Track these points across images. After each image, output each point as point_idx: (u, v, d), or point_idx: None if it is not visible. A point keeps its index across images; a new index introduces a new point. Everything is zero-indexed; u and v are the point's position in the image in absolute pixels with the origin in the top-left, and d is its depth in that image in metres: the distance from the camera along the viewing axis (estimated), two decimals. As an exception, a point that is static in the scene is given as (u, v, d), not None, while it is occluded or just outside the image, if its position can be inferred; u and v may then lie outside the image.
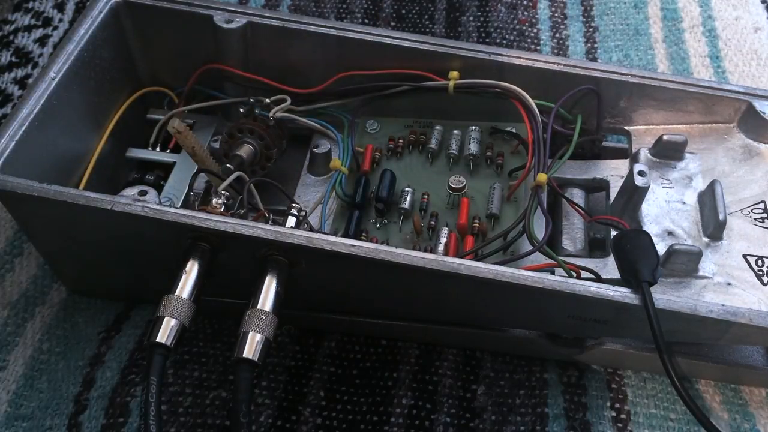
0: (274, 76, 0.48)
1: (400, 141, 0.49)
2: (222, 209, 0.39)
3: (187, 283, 0.36)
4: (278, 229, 0.37)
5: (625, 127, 0.49)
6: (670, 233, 0.43)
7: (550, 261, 0.40)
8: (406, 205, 0.45)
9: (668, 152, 0.46)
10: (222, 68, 0.49)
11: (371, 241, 0.44)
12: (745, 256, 0.42)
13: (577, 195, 0.47)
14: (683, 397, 0.35)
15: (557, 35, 0.63)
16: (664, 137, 0.45)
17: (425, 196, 0.46)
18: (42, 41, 0.63)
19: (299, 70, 0.48)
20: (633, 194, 0.43)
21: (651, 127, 0.48)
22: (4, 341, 0.46)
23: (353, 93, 0.48)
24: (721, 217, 0.41)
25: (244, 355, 0.34)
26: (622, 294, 0.36)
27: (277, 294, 0.37)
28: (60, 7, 0.65)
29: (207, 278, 0.37)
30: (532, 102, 0.44)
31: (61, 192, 0.38)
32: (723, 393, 0.43)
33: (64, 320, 0.47)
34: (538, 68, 0.46)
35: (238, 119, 0.47)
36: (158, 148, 0.49)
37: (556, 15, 0.65)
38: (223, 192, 0.40)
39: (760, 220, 0.43)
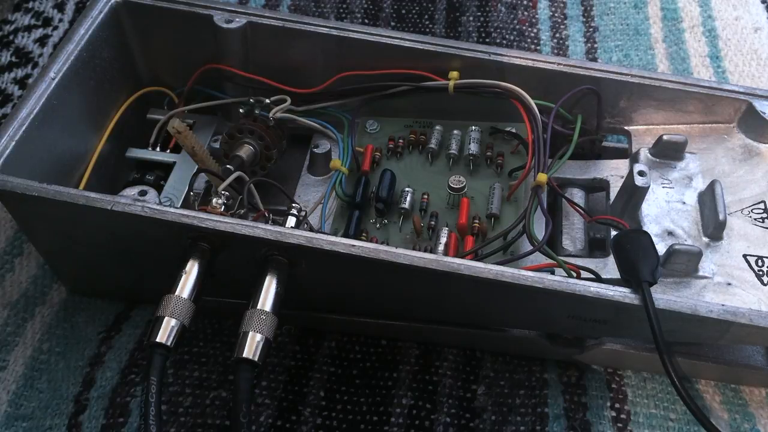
0: (274, 76, 0.48)
1: (400, 141, 0.49)
2: (222, 209, 0.39)
3: (187, 283, 0.36)
4: (278, 229, 0.37)
5: (625, 127, 0.49)
6: (670, 233, 0.43)
7: (550, 261, 0.40)
8: (406, 205, 0.45)
9: (668, 152, 0.46)
10: (222, 68, 0.49)
11: (371, 241, 0.44)
12: (745, 256, 0.42)
13: (577, 195, 0.47)
14: (683, 397, 0.35)
15: (557, 35, 0.63)
16: (664, 137, 0.45)
17: (425, 196, 0.46)
18: (42, 41, 0.63)
19: (299, 70, 0.48)
20: (633, 194, 0.43)
21: (651, 127, 0.48)
22: (4, 341, 0.46)
23: (353, 93, 0.48)
24: (721, 217, 0.41)
25: (244, 355, 0.34)
26: (622, 294, 0.36)
27: (277, 294, 0.37)
28: (60, 7, 0.65)
29: (207, 278, 0.37)
30: (532, 102, 0.44)
31: (61, 192, 0.38)
32: (723, 393, 0.43)
33: (64, 320, 0.47)
34: (538, 68, 0.46)
35: (238, 119, 0.47)
36: (158, 148, 0.49)
37: (556, 15, 0.65)
38: (223, 192, 0.40)
39: (760, 220, 0.43)
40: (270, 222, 0.39)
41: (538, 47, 0.62)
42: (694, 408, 0.35)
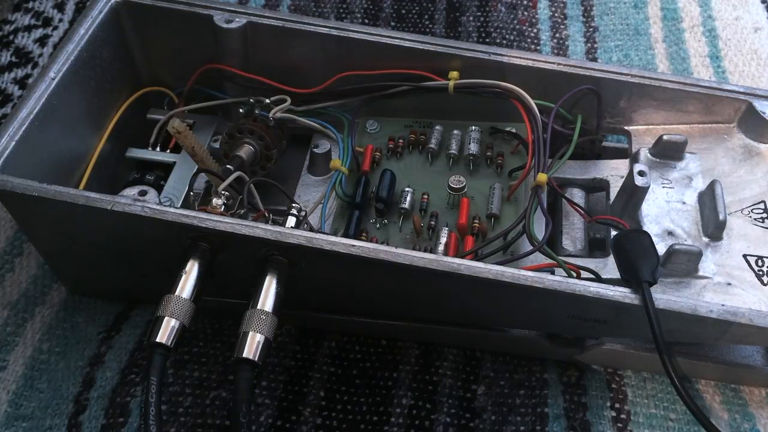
0: (274, 76, 0.48)
1: (400, 141, 0.49)
2: (222, 209, 0.39)
3: (187, 283, 0.36)
4: (278, 229, 0.37)
5: (625, 127, 0.49)
6: (670, 233, 0.43)
7: (550, 261, 0.40)
8: (406, 205, 0.45)
9: (668, 152, 0.46)
10: (222, 68, 0.49)
11: (371, 241, 0.44)
12: (745, 256, 0.42)
13: (577, 195, 0.47)
14: (683, 397, 0.35)
15: (557, 35, 0.63)
16: (664, 137, 0.45)
17: (425, 196, 0.46)
18: (42, 41, 0.63)
19: (299, 70, 0.48)
20: (633, 194, 0.43)
21: (651, 127, 0.48)
22: (4, 341, 0.46)
23: (353, 93, 0.48)
24: (721, 217, 0.41)
25: (244, 355, 0.34)
26: (622, 294, 0.36)
27: (277, 294, 0.37)
28: (60, 7, 0.65)
29: (207, 278, 0.37)
30: (532, 102, 0.44)
31: (61, 192, 0.38)
32: (723, 393, 0.43)
33: (64, 320, 0.47)
34: (538, 68, 0.46)
35: (238, 119, 0.47)
36: (158, 148, 0.49)
37: (556, 15, 0.65)
38: (223, 192, 0.40)
39: (760, 220, 0.43)
40: (270, 222, 0.39)
41: (538, 47, 0.62)
42: (694, 408, 0.35)
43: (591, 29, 0.63)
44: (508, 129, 0.48)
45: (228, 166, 0.44)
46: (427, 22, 0.65)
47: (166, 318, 0.35)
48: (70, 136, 0.45)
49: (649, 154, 0.46)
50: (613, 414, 0.42)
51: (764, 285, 0.41)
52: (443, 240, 0.43)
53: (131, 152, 0.49)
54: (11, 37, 0.63)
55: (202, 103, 0.50)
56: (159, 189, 0.47)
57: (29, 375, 0.44)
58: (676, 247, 0.40)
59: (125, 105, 0.49)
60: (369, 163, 0.47)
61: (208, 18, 0.47)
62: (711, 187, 0.43)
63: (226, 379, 0.44)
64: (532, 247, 0.40)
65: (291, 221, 0.40)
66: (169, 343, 0.34)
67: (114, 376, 0.44)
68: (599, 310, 0.38)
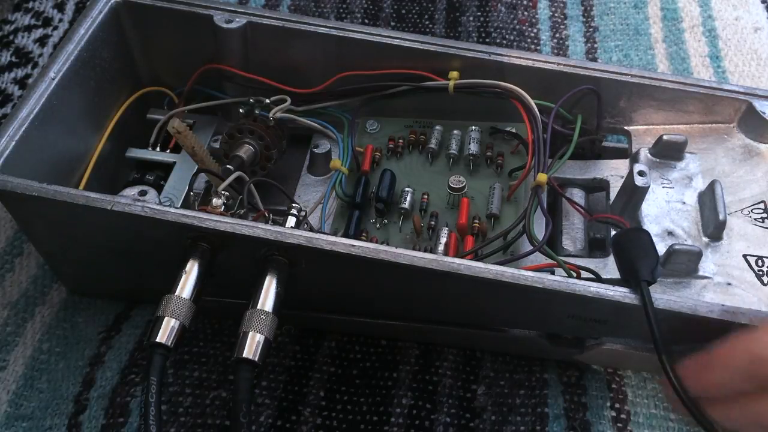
0: (274, 76, 0.48)
1: (400, 141, 0.49)
2: (222, 209, 0.39)
3: (187, 283, 0.36)
4: (278, 229, 0.37)
5: (625, 127, 0.49)
6: (670, 233, 0.43)
7: (550, 261, 0.40)
8: (406, 205, 0.45)
9: (668, 152, 0.46)
10: (222, 68, 0.49)
11: (371, 241, 0.44)
12: (745, 256, 0.42)
13: (577, 195, 0.47)
14: (682, 398, 0.35)
15: (557, 35, 0.63)
16: (664, 137, 0.45)
17: (425, 196, 0.46)
18: (42, 41, 0.63)
19: (299, 70, 0.48)
20: (633, 194, 0.43)
21: (651, 127, 0.48)
22: (4, 341, 0.46)
23: (353, 93, 0.48)
24: (721, 217, 0.41)
25: (244, 355, 0.34)
26: (621, 294, 0.36)
27: (277, 294, 0.37)
28: (60, 7, 0.65)
29: (207, 278, 0.37)
30: (532, 102, 0.44)
31: (61, 192, 0.38)
32: (723, 393, 0.43)
33: (64, 320, 0.47)
34: (538, 68, 0.46)
35: (238, 119, 0.47)
36: (158, 148, 0.49)
37: (556, 15, 0.65)
38: (223, 192, 0.40)
39: (760, 220, 0.43)
40: (270, 222, 0.39)
41: (538, 47, 0.62)
42: (694, 408, 0.35)
43: (591, 29, 0.63)
44: (508, 129, 0.48)
45: (228, 166, 0.44)
46: (427, 22, 0.65)
47: (166, 318, 0.35)
48: (70, 136, 0.45)
49: (649, 154, 0.46)
50: (613, 414, 0.42)
51: (764, 285, 0.41)
52: (443, 240, 0.43)
53: (131, 152, 0.49)
54: (11, 37, 0.63)
55: (202, 103, 0.50)
56: (159, 189, 0.47)
57: (29, 375, 0.44)
58: (676, 247, 0.40)
59: (125, 105, 0.49)
60: (369, 163, 0.47)
61: (208, 18, 0.47)
62: (711, 187, 0.43)
63: (226, 379, 0.44)
64: (532, 247, 0.40)
65: (291, 221, 0.40)
66: (169, 343, 0.34)
67: (114, 376, 0.44)
68: (599, 310, 0.38)
